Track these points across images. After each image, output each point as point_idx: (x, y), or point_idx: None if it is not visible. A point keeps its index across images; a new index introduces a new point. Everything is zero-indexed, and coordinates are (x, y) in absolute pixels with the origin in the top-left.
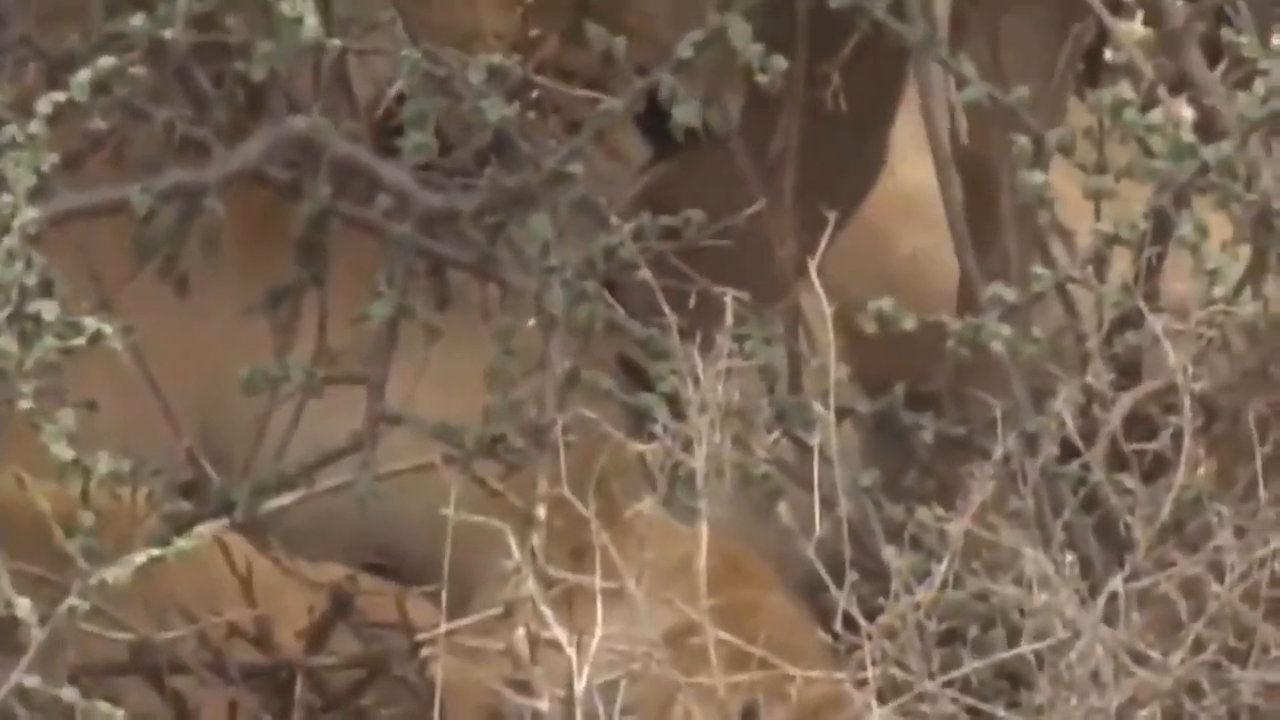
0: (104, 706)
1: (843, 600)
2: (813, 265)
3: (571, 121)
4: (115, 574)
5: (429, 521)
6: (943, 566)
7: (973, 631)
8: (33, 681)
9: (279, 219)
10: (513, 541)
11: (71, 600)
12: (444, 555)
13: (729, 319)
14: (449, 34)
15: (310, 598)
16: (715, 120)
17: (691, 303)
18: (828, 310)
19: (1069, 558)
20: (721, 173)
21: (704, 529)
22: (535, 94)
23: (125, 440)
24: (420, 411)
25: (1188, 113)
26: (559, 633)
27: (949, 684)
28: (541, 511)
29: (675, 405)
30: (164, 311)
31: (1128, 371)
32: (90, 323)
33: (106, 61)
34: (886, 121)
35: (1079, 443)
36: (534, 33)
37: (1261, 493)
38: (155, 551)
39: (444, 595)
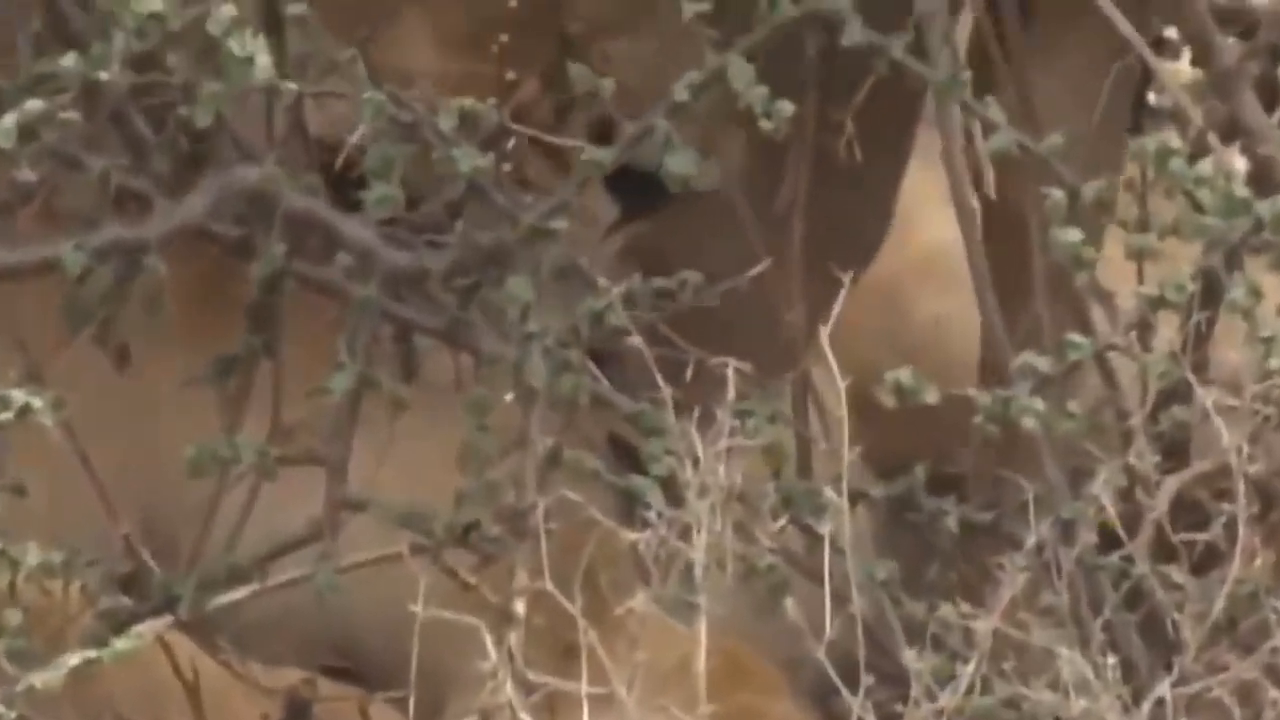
0: None
1: (857, 707)
2: (824, 332)
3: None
4: (46, 678)
5: (396, 619)
6: (969, 669)
7: None
8: None
9: (231, 280)
10: (489, 641)
11: None
12: (411, 657)
13: (730, 393)
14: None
15: (264, 704)
16: (706, 172)
17: (688, 375)
18: (841, 383)
19: (1110, 660)
20: (719, 228)
21: (703, 627)
22: (512, 142)
23: (58, 528)
24: (385, 495)
25: (1240, 163)
26: None
27: None
28: (520, 607)
29: (671, 489)
30: (102, 384)
31: (1175, 451)
32: (17, 395)
33: (35, 104)
34: (898, 172)
35: (1121, 531)
36: (510, 75)
37: None
38: (90, 653)
39: (411, 702)
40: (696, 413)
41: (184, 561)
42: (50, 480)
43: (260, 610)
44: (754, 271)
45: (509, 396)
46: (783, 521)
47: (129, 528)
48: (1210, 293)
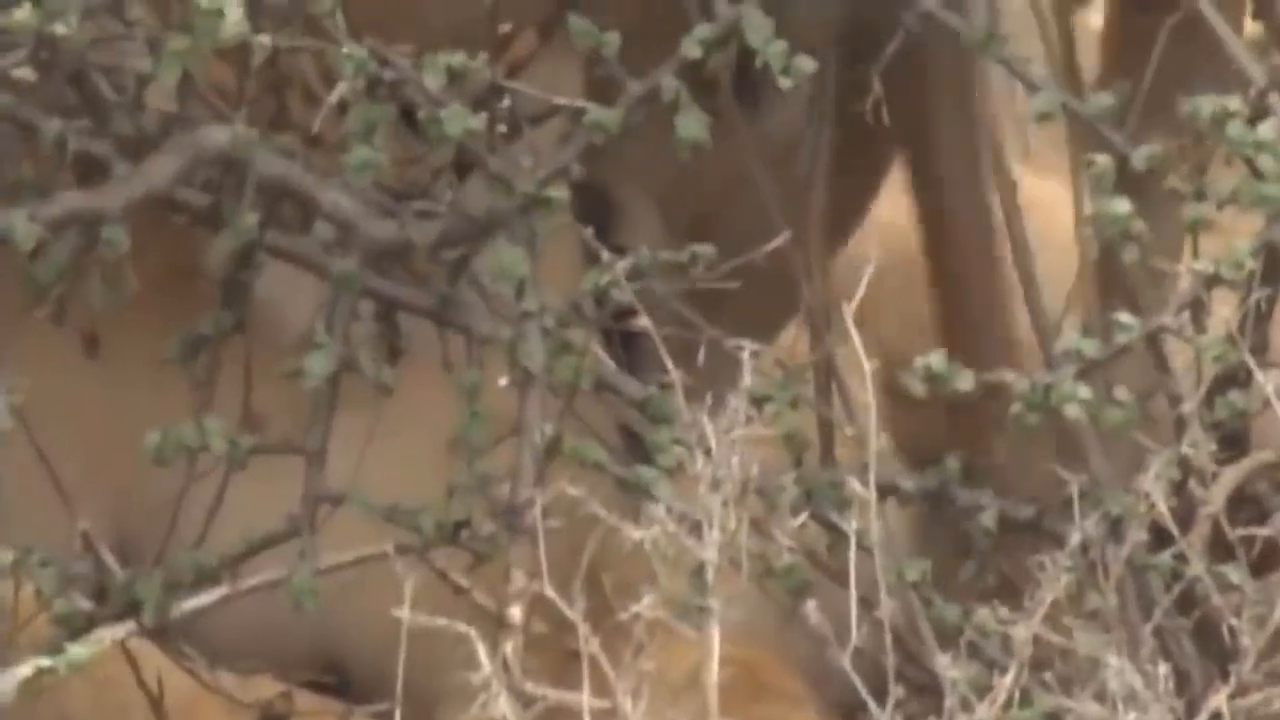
0: None
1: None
2: (848, 311)
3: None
4: None
5: (385, 626)
6: (1007, 679)
7: None
8: None
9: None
10: (481, 649)
11: None
12: (397, 670)
13: (746, 376)
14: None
15: (236, 719)
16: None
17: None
18: (867, 366)
19: (1161, 668)
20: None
21: (716, 633)
22: (507, 101)
23: (24, 527)
24: (368, 489)
25: None
26: None
27: None
28: (516, 612)
29: (680, 481)
30: (70, 366)
31: (1232, 441)
32: None
33: None
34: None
35: (1173, 527)
36: (504, 27)
37: None
38: (44, 661)
39: (397, 716)
40: (709, 398)
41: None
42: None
43: (235, 616)
44: (771, 245)
45: (504, 380)
46: (803, 517)
47: (100, 525)
48: (1271, 268)
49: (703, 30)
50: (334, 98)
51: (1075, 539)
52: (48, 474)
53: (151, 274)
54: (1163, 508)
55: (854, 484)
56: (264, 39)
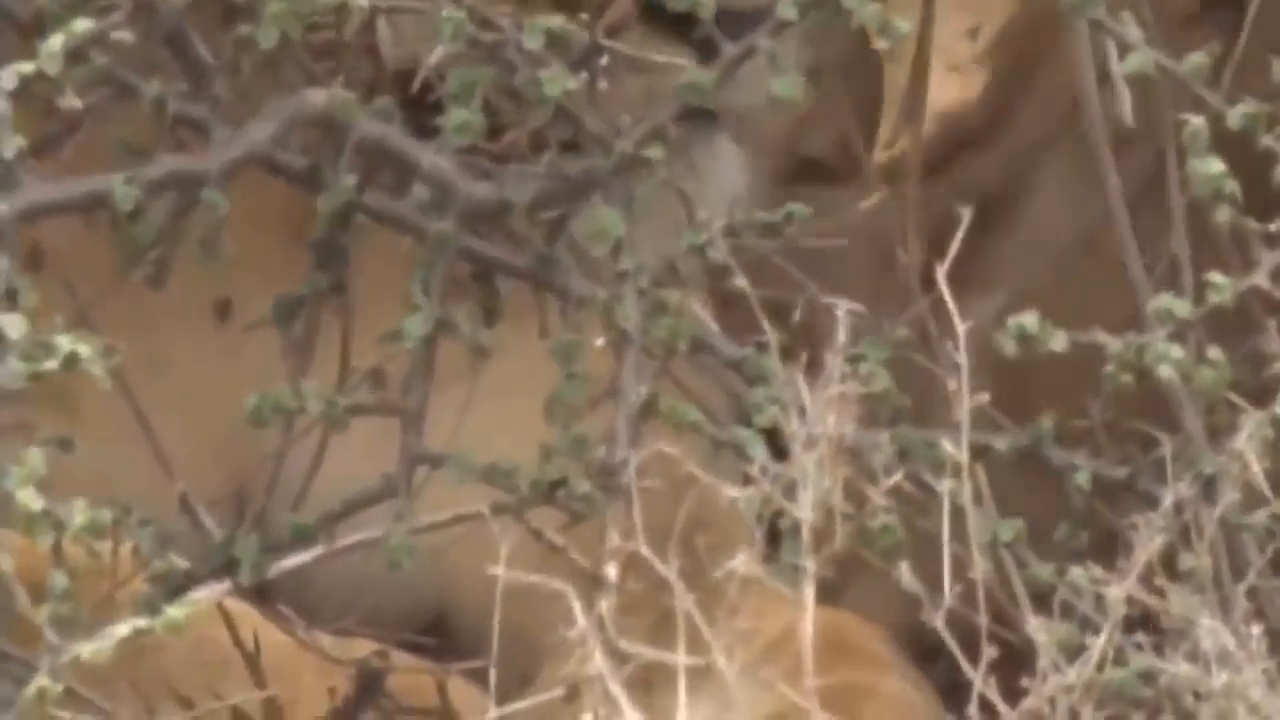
0: None
1: (978, 681)
2: (941, 272)
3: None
4: (93, 649)
5: (489, 584)
6: (1100, 640)
7: None
8: None
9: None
10: (576, 607)
11: (40, 681)
12: (503, 627)
13: (841, 335)
14: None
15: (332, 678)
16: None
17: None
18: (960, 327)
19: (1255, 629)
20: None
21: (810, 594)
22: (604, 61)
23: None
24: (466, 449)
25: None
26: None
27: None
28: (612, 571)
29: (776, 441)
30: (198, 334)
31: None
32: (63, 342)
33: (83, 24)
34: None
35: (1266, 488)
36: None
37: None
38: (141, 621)
39: (492, 674)
40: (804, 358)
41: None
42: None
43: (335, 576)
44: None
45: (600, 342)
46: (897, 476)
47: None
48: None
49: None
50: (433, 59)
51: (1168, 500)
52: (148, 436)
53: (284, 239)
54: (1256, 468)
55: (947, 444)
56: (360, 1)
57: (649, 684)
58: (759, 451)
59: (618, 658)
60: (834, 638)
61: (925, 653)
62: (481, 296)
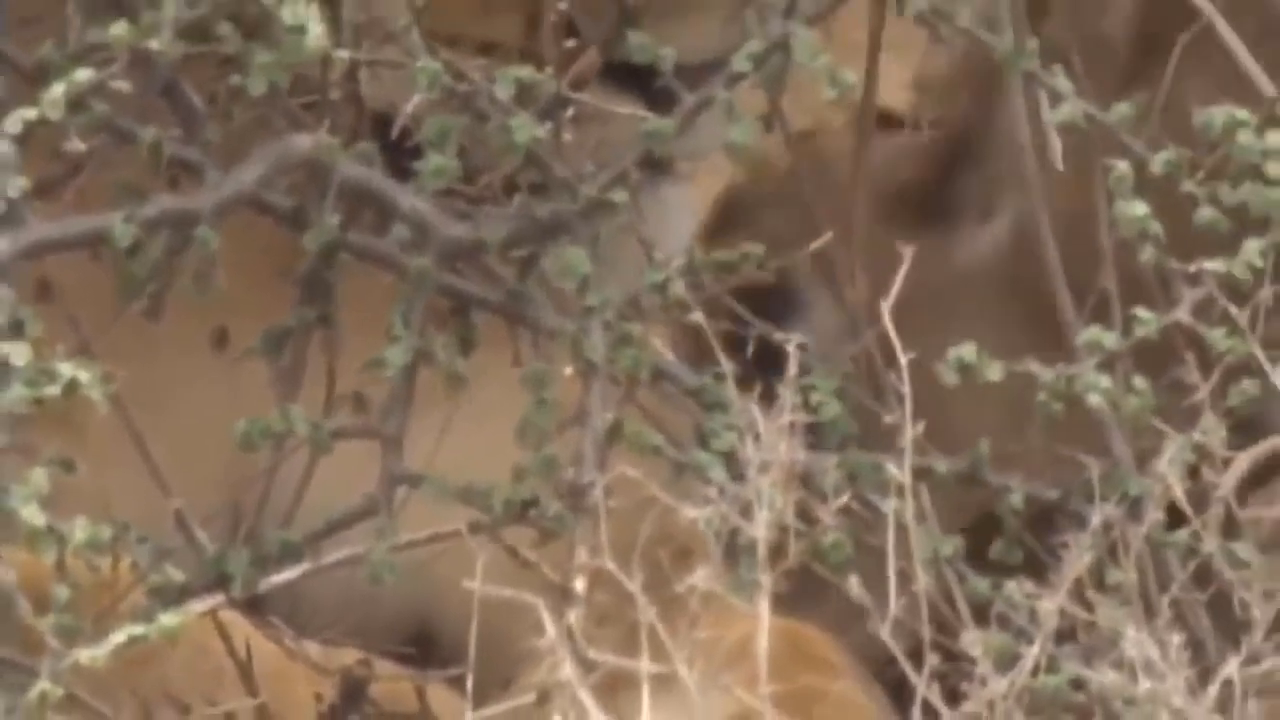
0: None
1: (921, 685)
2: (885, 307)
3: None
4: (92, 654)
5: (468, 596)
6: (1034, 649)
7: None
8: None
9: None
10: (547, 618)
11: (42, 685)
12: (488, 634)
13: (793, 367)
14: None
15: (319, 684)
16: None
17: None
18: (903, 358)
19: (1177, 639)
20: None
21: (766, 606)
22: (570, 112)
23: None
24: (444, 471)
25: None
26: None
27: None
28: (580, 585)
29: (733, 465)
30: (198, 363)
31: (1244, 428)
32: (64, 369)
33: (84, 74)
34: None
35: (1188, 509)
36: (571, 43)
37: None
38: (137, 629)
39: (469, 681)
40: (758, 387)
41: (256, 540)
42: (139, 463)
43: (325, 590)
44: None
45: (568, 370)
46: (844, 498)
47: (180, 502)
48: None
49: (752, 45)
50: (410, 107)
51: (1096, 520)
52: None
53: (273, 274)
54: (1178, 489)
55: (891, 468)
56: (342, 53)
57: (615, 690)
58: (718, 474)
59: (586, 665)
60: (790, 646)
61: (880, 663)
62: (458, 329)
